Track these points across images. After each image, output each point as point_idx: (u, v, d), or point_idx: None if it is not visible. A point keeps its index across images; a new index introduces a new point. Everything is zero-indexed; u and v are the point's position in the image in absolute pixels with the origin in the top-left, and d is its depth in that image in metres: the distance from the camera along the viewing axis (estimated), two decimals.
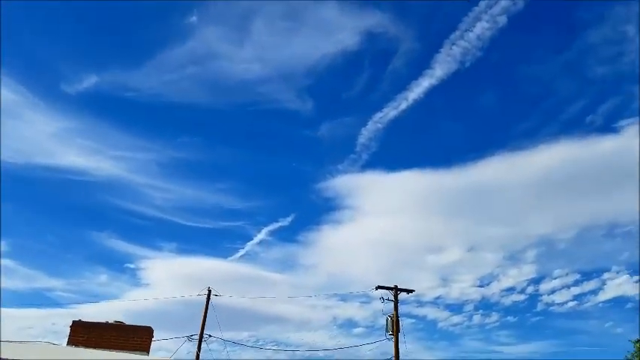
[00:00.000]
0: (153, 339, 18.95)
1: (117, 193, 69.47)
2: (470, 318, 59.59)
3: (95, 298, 75.39)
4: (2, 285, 52.20)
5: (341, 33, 66.06)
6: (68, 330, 17.08)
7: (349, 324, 63.13)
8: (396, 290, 23.29)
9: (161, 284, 59.89)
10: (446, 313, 59.56)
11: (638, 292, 52.81)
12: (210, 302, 26.02)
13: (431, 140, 72.01)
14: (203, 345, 25.06)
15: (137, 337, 17.77)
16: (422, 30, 67.23)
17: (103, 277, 66.07)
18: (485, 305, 59.65)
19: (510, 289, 58.32)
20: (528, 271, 58.78)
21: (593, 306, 55.55)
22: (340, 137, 70.64)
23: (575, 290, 55.32)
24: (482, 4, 54.33)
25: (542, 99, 67.54)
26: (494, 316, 58.37)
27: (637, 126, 53.41)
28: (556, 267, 60.95)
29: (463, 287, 60.81)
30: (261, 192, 77.02)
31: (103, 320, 18.24)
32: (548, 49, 66.68)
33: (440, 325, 60.06)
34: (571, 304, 55.46)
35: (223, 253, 75.73)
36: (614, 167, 56.83)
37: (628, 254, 57.61)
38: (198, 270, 60.78)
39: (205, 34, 65.69)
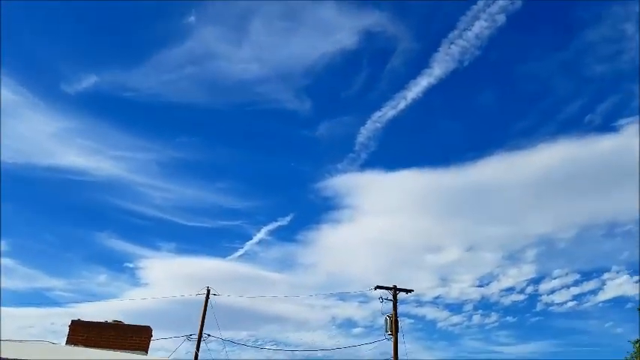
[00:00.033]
0: (152, 338, 18.96)
1: (117, 193, 69.50)
2: (469, 318, 59.70)
3: (94, 297, 75.36)
4: (2, 284, 52.18)
5: (339, 32, 66.12)
6: (67, 329, 17.08)
7: (348, 324, 63.22)
8: (395, 290, 23.32)
9: (160, 284, 59.91)
10: (445, 313, 59.67)
11: (638, 292, 52.95)
12: (209, 302, 26.03)
13: (430, 139, 72.10)
14: (202, 344, 25.07)
15: (136, 336, 17.77)
16: (420, 29, 67.28)
17: (103, 277, 66.10)
18: (484, 305, 59.78)
19: (510, 289, 58.44)
20: (528, 271, 58.91)
21: (593, 306, 55.68)
22: (339, 137, 70.72)
23: (575, 290, 55.43)
24: (480, 3, 54.35)
25: (540, 98, 67.68)
26: (494, 316, 58.48)
27: (636, 125, 53.43)
28: (556, 267, 61.10)
29: (462, 287, 60.93)
30: (260, 191, 77.12)
31: (102, 320, 18.24)
32: (547, 47, 66.80)
33: (439, 325, 60.18)
34: (571, 304, 55.58)
35: (222, 253, 75.86)
36: (613, 166, 56.96)
37: (628, 254, 57.74)
38: (197, 269, 60.83)
39: (203, 34, 65.70)
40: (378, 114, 61.81)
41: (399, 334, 22.46)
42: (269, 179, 75.37)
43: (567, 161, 57.96)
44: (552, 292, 56.45)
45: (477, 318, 59.29)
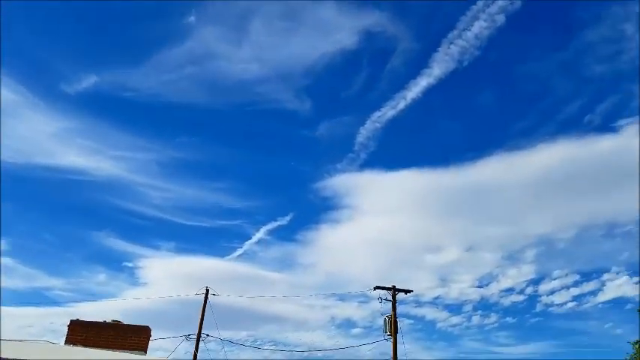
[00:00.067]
0: (151, 338, 18.95)
1: (116, 192, 69.52)
2: (469, 318, 59.70)
3: (93, 297, 75.27)
4: (2, 284, 52.14)
5: (339, 33, 66.17)
6: (66, 329, 17.07)
7: (347, 324, 63.22)
8: (394, 290, 23.32)
9: (159, 283, 59.91)
10: (445, 314, 59.68)
11: (637, 292, 52.98)
12: (208, 302, 26.03)
13: (429, 139, 72.20)
14: (201, 344, 25.06)
15: (135, 336, 17.76)
16: (420, 29, 67.38)
17: (102, 277, 66.08)
18: (484, 306, 59.81)
19: (509, 290, 58.45)
20: (527, 271, 58.95)
21: (593, 307, 55.72)
22: (338, 137, 70.79)
23: (575, 291, 55.48)
24: (480, 4, 54.44)
25: (540, 98, 67.78)
26: (494, 317, 58.50)
27: (636, 125, 53.49)
28: (555, 267, 61.13)
29: (462, 287, 60.95)
30: (260, 191, 77.16)
31: (101, 319, 18.23)
32: (546, 48, 66.92)
33: (439, 325, 60.19)
34: (570, 304, 55.61)
35: (222, 253, 75.93)
36: (612, 167, 57.02)
37: (628, 254, 57.79)
38: (196, 269, 60.83)
39: (203, 34, 65.71)
40: (377, 114, 61.93)
41: (399, 335, 22.48)
42: (268, 179, 75.50)
43: (567, 161, 58.10)
44: (552, 292, 56.55)
45: (476, 318, 59.37)
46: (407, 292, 23.62)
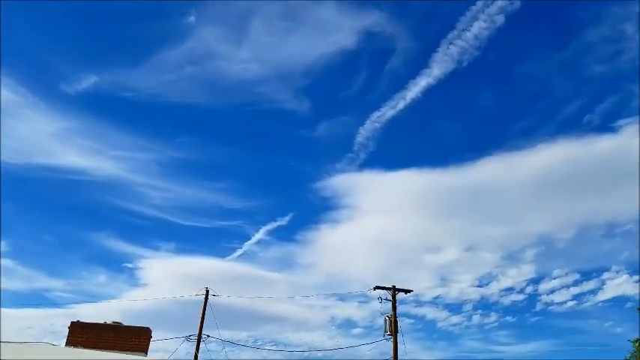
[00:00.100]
0: (151, 339, 18.95)
1: (116, 193, 69.51)
2: (469, 318, 59.70)
3: (93, 298, 75.26)
4: (2, 285, 52.14)
5: (339, 33, 66.14)
6: (67, 330, 17.08)
7: (348, 324, 63.21)
8: (394, 290, 23.34)
9: (159, 284, 59.91)
10: (445, 313, 59.67)
11: (637, 291, 52.97)
12: (208, 302, 26.04)
13: (429, 140, 72.15)
14: (201, 345, 25.08)
15: (135, 337, 17.77)
16: (419, 29, 67.33)
17: (102, 277, 66.09)
18: (484, 305, 59.76)
19: (509, 289, 58.44)
20: (527, 270, 58.93)
21: (593, 306, 55.66)
22: (338, 137, 70.80)
23: (575, 290, 55.41)
24: (479, 4, 54.46)
25: (539, 98, 67.74)
26: (494, 316, 58.48)
27: (636, 125, 53.45)
28: (555, 267, 61.09)
29: (462, 287, 60.95)
30: (259, 191, 77.15)
31: (102, 321, 18.23)
32: (546, 48, 66.86)
33: (439, 325, 60.19)
34: (570, 303, 55.58)
35: (221, 253, 75.85)
36: (612, 166, 57.00)
37: (628, 253, 57.76)
38: (196, 270, 60.83)
39: (203, 34, 65.70)
40: (377, 114, 61.90)
41: (399, 335, 22.49)
42: (268, 179, 75.51)
43: (567, 161, 58.11)
44: (552, 291, 56.53)
45: (476, 318, 59.36)
46: (407, 291, 23.64)
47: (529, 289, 57.57)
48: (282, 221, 66.39)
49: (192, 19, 63.18)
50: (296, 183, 74.55)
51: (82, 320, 17.64)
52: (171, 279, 60.22)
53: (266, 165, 73.88)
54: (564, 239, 60.09)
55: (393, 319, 22.66)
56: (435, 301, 60.48)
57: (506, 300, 58.56)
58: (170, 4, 63.72)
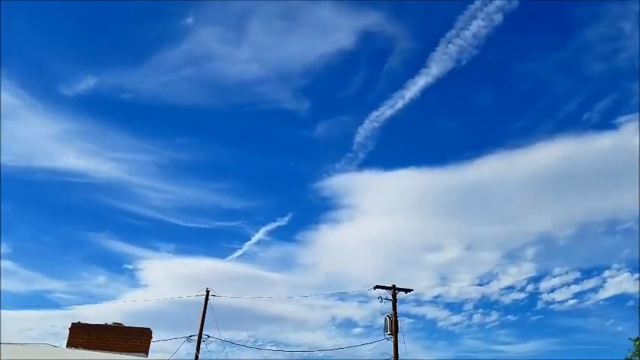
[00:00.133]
0: (152, 340, 18.97)
1: (116, 194, 69.48)
2: (470, 317, 59.66)
3: (94, 299, 75.30)
4: (2, 287, 52.14)
5: (337, 33, 66.14)
6: (67, 332, 17.10)
7: (348, 324, 63.19)
8: (395, 290, 23.34)
9: (159, 285, 59.88)
10: (445, 313, 59.63)
11: (638, 289, 52.97)
12: (208, 303, 26.07)
13: (428, 139, 72.17)
14: (202, 345, 25.10)
15: (136, 338, 17.79)
16: (418, 29, 67.36)
17: (102, 279, 66.01)
18: (484, 304, 59.72)
19: (510, 288, 58.35)
20: (528, 269, 58.87)
21: (594, 304, 55.58)
22: (337, 136, 70.80)
23: (576, 288, 55.27)
24: (477, 3, 54.41)
25: (538, 96, 67.76)
26: (494, 315, 58.44)
27: (636, 122, 53.48)
28: (555, 265, 60.86)
29: (462, 286, 60.91)
30: (259, 192, 77.14)
31: (102, 322, 18.25)
32: (545, 46, 66.90)
33: (439, 324, 60.18)
34: (571, 302, 55.46)
35: (221, 253, 75.70)
36: (612, 164, 56.98)
37: (628, 251, 57.71)
38: (196, 270, 60.80)
39: (202, 34, 65.68)
40: (375, 113, 61.88)
41: (399, 334, 22.50)
42: (267, 179, 75.50)
43: (566, 159, 58.11)
44: (553, 290, 56.41)
45: (477, 317, 59.31)
46: (407, 291, 23.64)
47: (530, 288, 57.61)
48: (282, 221, 66.39)
49: (190, 20, 63.24)
50: (296, 183, 74.63)
51: (82, 321, 17.66)
52: (171, 280, 60.27)
53: (265, 165, 73.97)
54: (564, 237, 60.17)
55: (393, 319, 22.66)
56: (435, 301, 60.47)
57: (507, 299, 58.59)
58: (168, 5, 63.79)
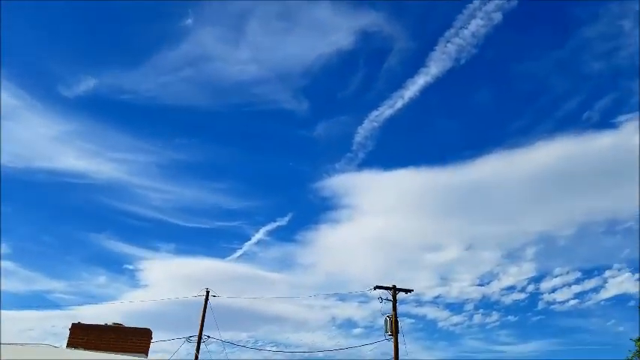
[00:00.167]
0: (152, 340, 18.97)
1: (116, 195, 69.47)
2: (470, 317, 59.59)
3: (94, 299, 75.13)
4: (2, 287, 52.10)
5: (336, 33, 66.17)
6: (67, 332, 17.09)
7: (348, 324, 63.17)
8: (395, 290, 23.30)
9: (159, 285, 59.86)
10: (446, 313, 59.58)
11: (639, 290, 52.95)
12: (208, 303, 26.05)
13: (427, 138, 72.27)
14: (202, 346, 25.07)
15: (136, 338, 17.80)
16: (417, 28, 67.39)
17: (102, 279, 66.02)
18: (485, 304, 59.66)
19: (510, 288, 58.31)
20: (528, 269, 58.83)
21: (595, 304, 55.48)
22: (336, 136, 70.86)
23: (577, 288, 55.20)
24: (476, 2, 54.44)
25: (538, 96, 67.80)
26: (495, 316, 58.39)
27: (636, 121, 53.42)
28: (556, 265, 60.76)
29: (463, 286, 60.87)
30: (259, 192, 77.13)
31: (102, 322, 18.25)
32: (544, 45, 66.90)
33: (440, 324, 60.12)
34: (572, 302, 55.39)
35: (221, 254, 75.58)
36: (612, 163, 56.95)
37: (629, 251, 57.65)
38: (196, 270, 60.79)
39: (201, 35, 65.68)
40: (375, 113, 62.00)
41: (400, 335, 22.46)
42: (267, 179, 75.53)
43: (566, 158, 58.10)
44: (553, 290, 56.34)
45: (477, 317, 59.27)
46: (407, 291, 23.61)
47: (530, 288, 57.56)
48: (282, 221, 66.44)
49: (189, 21, 63.26)
50: (295, 183, 74.67)
51: (82, 322, 17.67)
52: (171, 280, 60.26)
53: (265, 165, 74.01)
54: (565, 237, 60.17)
55: (393, 319, 22.63)
56: (435, 301, 60.44)
57: (508, 299, 58.55)
58: (168, 5, 63.81)
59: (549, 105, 66.09)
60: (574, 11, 65.89)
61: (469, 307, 59.41)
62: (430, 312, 59.78)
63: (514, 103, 69.42)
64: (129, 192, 68.45)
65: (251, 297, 43.04)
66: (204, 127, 72.68)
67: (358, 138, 62.90)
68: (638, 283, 52.42)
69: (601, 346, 57.31)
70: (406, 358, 22.43)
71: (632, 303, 53.41)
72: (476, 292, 59.73)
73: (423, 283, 60.17)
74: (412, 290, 23.67)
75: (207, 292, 26.23)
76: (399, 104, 58.03)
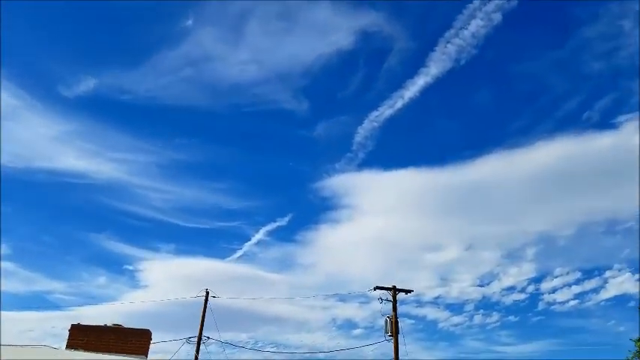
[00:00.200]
0: (151, 341, 18.93)
1: (116, 195, 69.54)
2: (470, 318, 59.54)
3: (94, 300, 75.04)
4: (2, 288, 52.05)
5: (335, 33, 66.29)
6: (67, 333, 17.06)
7: (348, 325, 63.14)
8: (395, 290, 23.25)
9: (159, 285, 59.84)
10: (446, 314, 59.57)
11: (639, 290, 52.91)
12: (208, 304, 26.00)
13: (427, 138, 72.41)
14: (202, 347, 25.03)
15: (136, 339, 17.77)
16: (416, 28, 67.51)
17: (102, 279, 66.02)
18: (485, 305, 59.65)
19: (511, 288, 58.30)
20: (528, 269, 58.84)
21: (595, 305, 55.49)
22: (336, 136, 70.94)
23: (577, 289, 55.24)
24: (476, 2, 54.56)
25: (538, 96, 67.92)
26: (495, 316, 58.36)
27: (636, 121, 53.48)
28: (556, 265, 60.79)
29: (463, 286, 60.86)
30: (259, 192, 77.20)
31: (102, 323, 18.20)
32: (544, 45, 67.06)
33: (440, 325, 60.07)
34: (573, 302, 55.42)
35: (221, 254, 75.64)
36: (612, 163, 56.94)
37: (629, 251, 57.68)
38: (196, 271, 60.77)
39: (201, 35, 65.75)
40: (375, 113, 62.07)
41: (400, 335, 22.40)
42: (267, 179, 75.59)
43: (566, 159, 58.12)
44: (554, 291, 56.34)
45: (478, 318, 59.24)
46: (407, 292, 23.56)
47: (530, 288, 57.55)
48: (282, 222, 66.47)
49: (189, 21, 63.32)
50: (295, 183, 74.72)
51: (82, 323, 17.63)
52: (171, 280, 60.23)
53: (265, 165, 74.05)
54: (565, 237, 60.18)
55: (393, 320, 22.58)
56: (435, 301, 60.43)
57: (508, 299, 58.53)
58: (168, 6, 63.83)
59: (549, 105, 66.24)
60: (574, 11, 66.02)
61: (469, 307, 59.44)
62: (430, 312, 59.81)
63: (514, 103, 69.59)
64: (129, 192, 68.55)
65: (251, 297, 42.98)
66: (204, 127, 72.82)
67: (358, 138, 63.02)
68: (638, 283, 52.47)
69: (601, 347, 57.37)
70: (406, 358, 22.40)
71: (632, 303, 53.50)
72: (476, 293, 59.75)
73: (423, 284, 60.20)
74: (412, 291, 23.64)
75: (207, 293, 26.18)
76: (399, 104, 58.12)
